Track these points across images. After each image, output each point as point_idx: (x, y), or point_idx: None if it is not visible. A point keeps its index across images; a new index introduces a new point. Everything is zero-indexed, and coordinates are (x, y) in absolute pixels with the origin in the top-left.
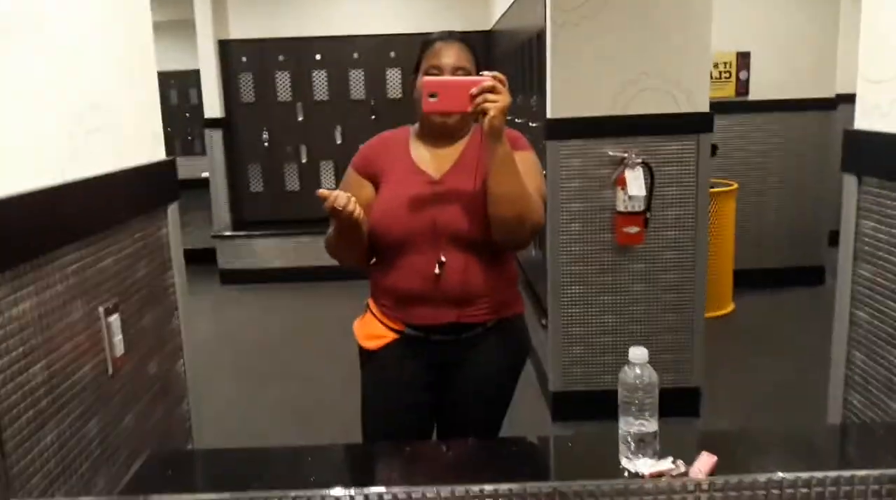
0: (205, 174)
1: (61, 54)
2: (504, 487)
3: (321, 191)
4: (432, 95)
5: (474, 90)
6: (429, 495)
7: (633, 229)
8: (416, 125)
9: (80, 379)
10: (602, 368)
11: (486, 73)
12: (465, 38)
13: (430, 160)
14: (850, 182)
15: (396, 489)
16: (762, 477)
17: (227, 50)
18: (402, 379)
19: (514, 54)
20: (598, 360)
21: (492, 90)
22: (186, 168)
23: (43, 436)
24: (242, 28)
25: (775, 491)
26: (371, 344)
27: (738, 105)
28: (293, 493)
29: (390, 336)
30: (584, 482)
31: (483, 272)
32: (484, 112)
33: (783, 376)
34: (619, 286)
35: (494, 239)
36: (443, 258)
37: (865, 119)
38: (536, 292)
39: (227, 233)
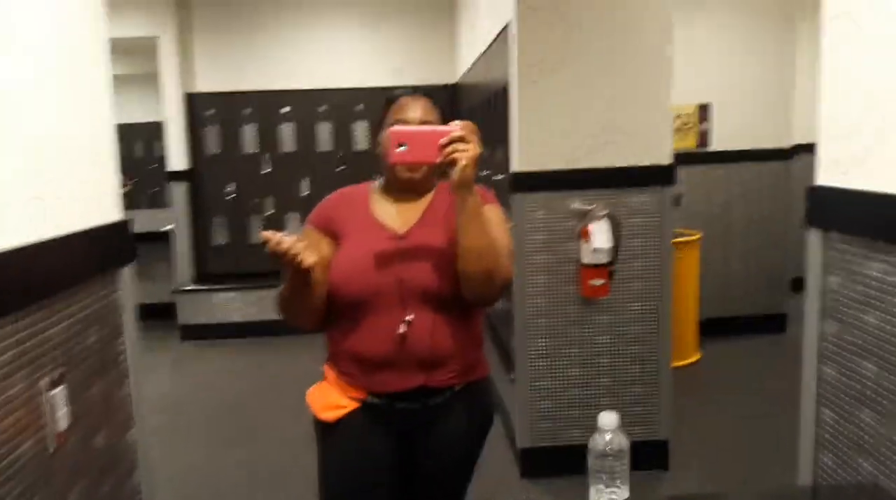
0: (169, 227)
1: (7, 116)
2: None
3: (264, 232)
4: (400, 146)
5: (444, 140)
6: None
7: (599, 282)
8: (378, 181)
9: (19, 457)
10: (570, 422)
11: (455, 122)
12: (430, 97)
13: (394, 215)
14: (814, 238)
15: None
16: None
17: (194, 102)
18: (364, 455)
19: (479, 108)
20: (566, 414)
21: (462, 140)
22: (151, 221)
23: None
24: (209, 81)
25: None
26: (329, 415)
27: (700, 156)
28: None
29: (351, 406)
30: None
31: (451, 332)
32: (453, 163)
33: (750, 425)
34: (586, 339)
35: (464, 296)
36: (409, 317)
37: (827, 175)
38: (504, 344)
39: (189, 288)
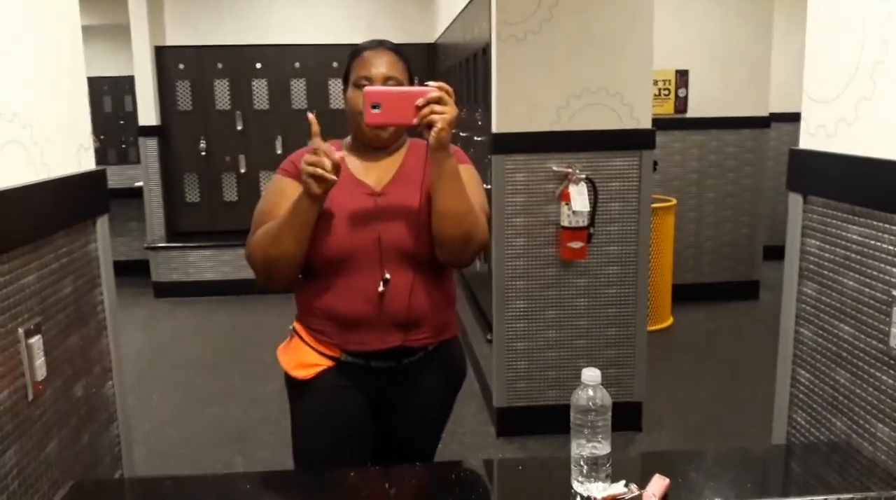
0: (138, 184)
1: None
2: None
3: (311, 116)
4: (375, 106)
5: (420, 101)
6: None
7: (577, 245)
8: (347, 139)
9: None
10: (546, 383)
11: (431, 83)
12: (397, 48)
13: (367, 173)
14: (795, 201)
15: None
16: None
17: (164, 56)
18: (339, 413)
19: (459, 68)
20: (543, 375)
21: (438, 101)
22: (120, 177)
23: None
24: (180, 34)
25: None
26: (301, 374)
27: (677, 122)
28: None
29: (324, 364)
30: None
31: (427, 292)
32: (430, 124)
33: (722, 389)
34: (563, 301)
35: (438, 257)
36: (387, 275)
37: (811, 139)
38: (481, 306)
39: (161, 244)
